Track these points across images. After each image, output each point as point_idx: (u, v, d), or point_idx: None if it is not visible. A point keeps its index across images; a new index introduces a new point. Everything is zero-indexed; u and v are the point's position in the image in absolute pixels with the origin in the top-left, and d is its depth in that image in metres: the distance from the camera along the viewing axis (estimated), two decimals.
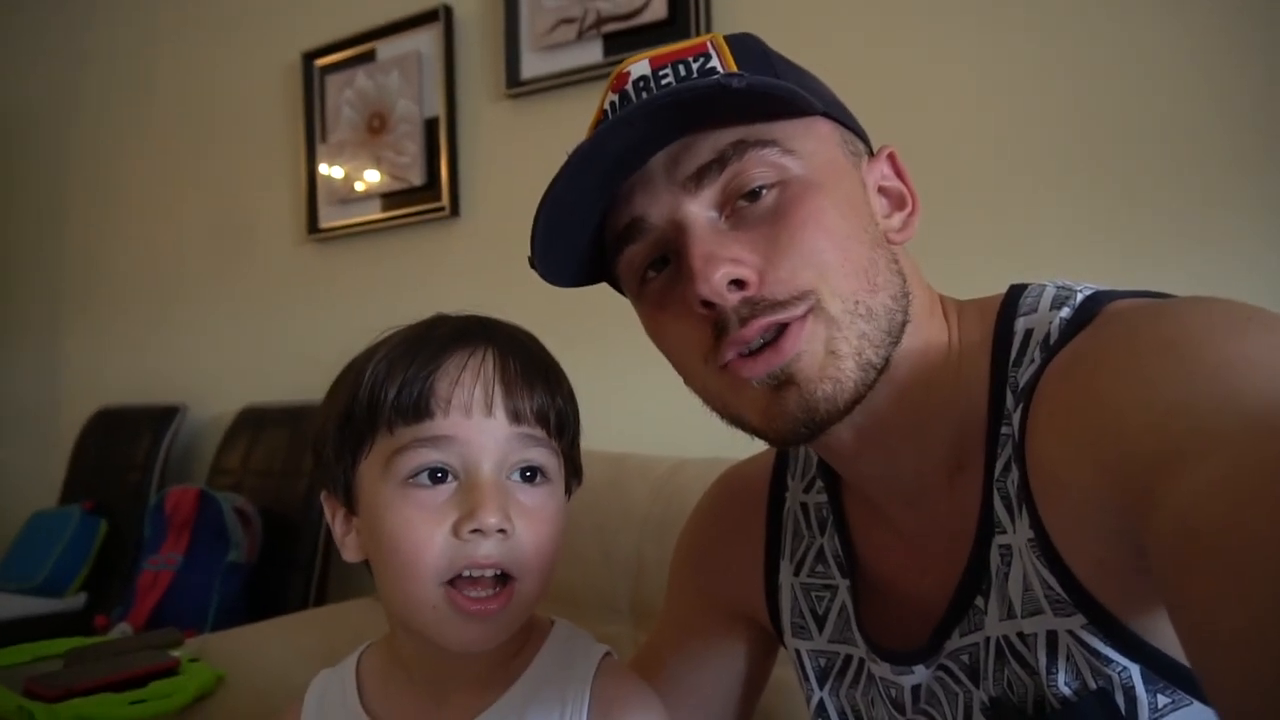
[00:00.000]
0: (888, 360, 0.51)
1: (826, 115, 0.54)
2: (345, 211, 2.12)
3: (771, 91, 0.48)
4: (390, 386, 0.52)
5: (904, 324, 0.52)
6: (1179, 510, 0.34)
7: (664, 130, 0.50)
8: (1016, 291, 0.54)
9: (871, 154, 0.57)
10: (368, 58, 2.09)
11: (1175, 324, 0.43)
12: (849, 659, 0.61)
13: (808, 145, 0.51)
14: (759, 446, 0.57)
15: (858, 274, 0.50)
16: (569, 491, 0.59)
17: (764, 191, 0.50)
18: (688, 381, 0.55)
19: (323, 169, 2.16)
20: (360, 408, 0.53)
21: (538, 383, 0.54)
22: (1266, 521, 0.30)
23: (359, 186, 2.10)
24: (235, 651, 1.31)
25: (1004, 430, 0.50)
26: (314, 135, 2.18)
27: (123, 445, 2.38)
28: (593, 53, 1.72)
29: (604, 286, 0.60)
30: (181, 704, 1.11)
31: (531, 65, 1.80)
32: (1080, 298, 0.50)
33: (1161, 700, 0.44)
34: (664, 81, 0.51)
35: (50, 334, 2.84)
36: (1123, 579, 0.43)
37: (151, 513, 2.02)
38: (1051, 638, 0.47)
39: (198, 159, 2.48)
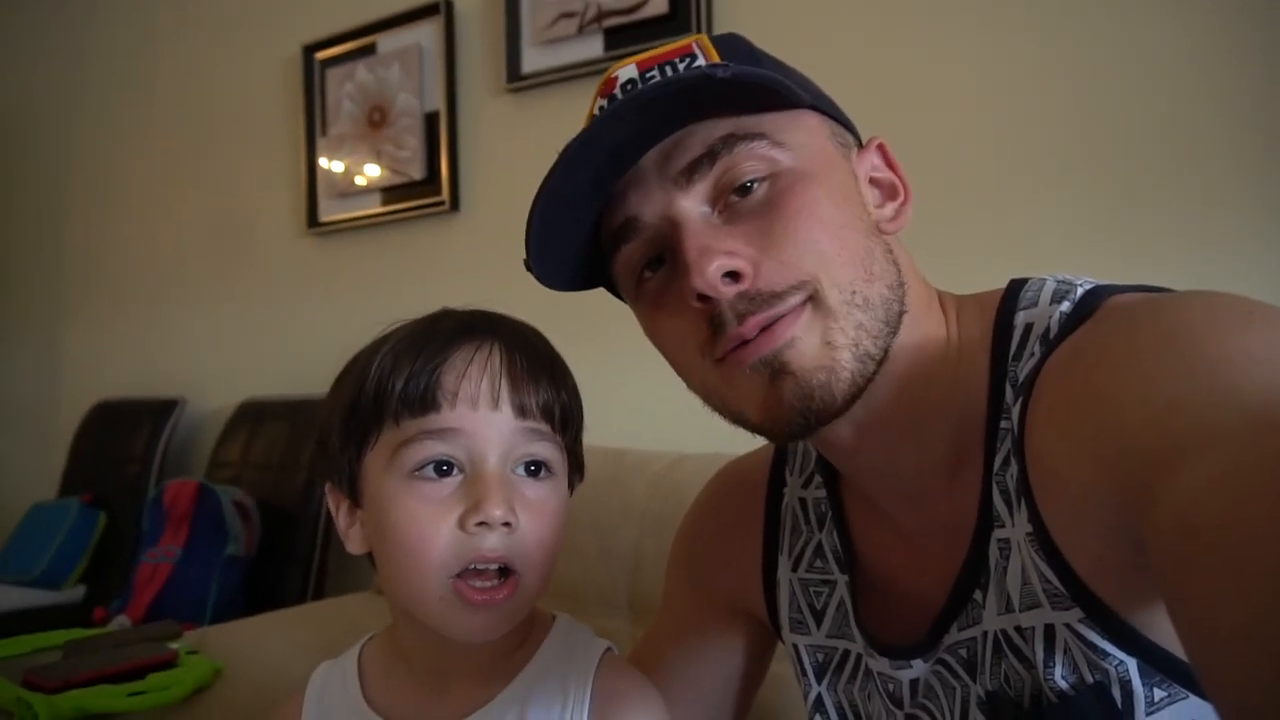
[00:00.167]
0: (886, 352, 0.51)
1: (814, 108, 0.54)
2: (345, 205, 2.12)
3: (758, 81, 0.48)
4: (397, 379, 0.52)
5: (901, 314, 0.52)
6: (1178, 506, 0.34)
7: (653, 125, 0.50)
8: (1016, 286, 0.54)
9: (861, 146, 0.57)
10: (368, 51, 2.09)
11: (1175, 318, 0.43)
12: (847, 654, 0.61)
13: (797, 137, 0.52)
14: (758, 442, 0.58)
15: (855, 263, 0.50)
16: (571, 487, 0.59)
17: (755, 185, 0.50)
18: (686, 380, 0.55)
19: (323, 163, 2.16)
20: (366, 400, 0.53)
21: (543, 377, 0.54)
22: (1267, 518, 0.30)
23: (359, 180, 2.09)
24: (233, 644, 1.31)
25: (1003, 424, 0.50)
26: (314, 129, 2.18)
27: (122, 438, 2.38)
28: (593, 47, 1.72)
29: None
30: (179, 696, 1.11)
31: (532, 59, 1.80)
32: (1080, 292, 0.50)
33: (1158, 694, 0.44)
34: (651, 84, 0.51)
35: (50, 327, 2.84)
36: (1121, 574, 0.43)
37: (150, 505, 2.02)
38: (1049, 631, 0.47)
39: (197, 153, 2.48)
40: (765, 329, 0.48)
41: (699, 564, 0.72)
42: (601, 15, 1.70)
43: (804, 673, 0.64)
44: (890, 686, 0.57)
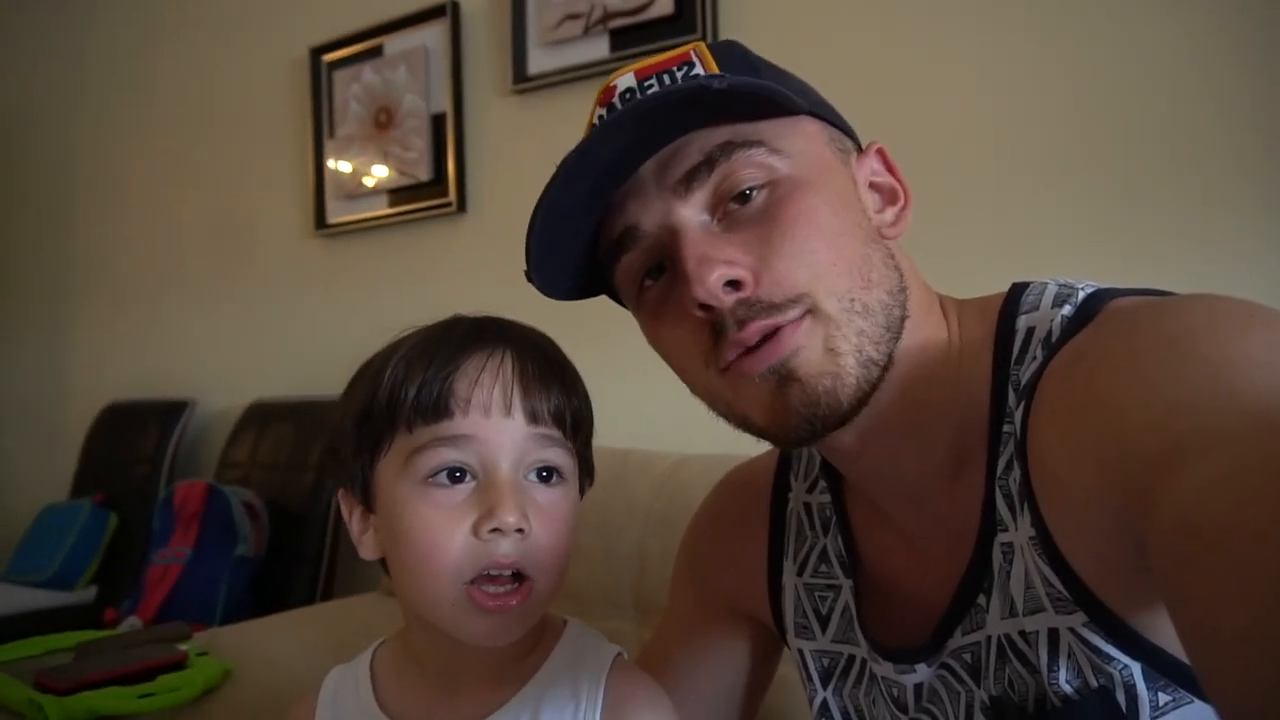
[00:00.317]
0: (890, 357, 0.51)
1: (812, 114, 0.54)
2: (352, 207, 2.13)
3: (754, 91, 0.48)
4: (410, 386, 0.52)
5: (903, 319, 0.52)
6: (1179, 507, 0.34)
7: (651, 135, 0.50)
8: (1018, 290, 0.54)
9: (860, 150, 0.57)
10: (375, 53, 2.10)
11: (1177, 322, 0.43)
12: (852, 659, 0.61)
13: (795, 144, 0.52)
14: (763, 443, 0.58)
15: (852, 271, 0.50)
16: (582, 491, 0.59)
17: (754, 192, 0.50)
18: (691, 387, 0.55)
19: (330, 164, 2.17)
20: (379, 407, 0.53)
21: (554, 384, 0.54)
22: (1268, 520, 0.30)
23: (367, 182, 2.10)
24: (243, 645, 1.32)
25: (1006, 428, 0.50)
26: (321, 131, 2.19)
27: (132, 439, 2.40)
28: (599, 48, 1.72)
29: None
30: (189, 697, 1.12)
31: (538, 61, 1.80)
32: (1082, 295, 0.50)
33: (1163, 698, 0.44)
34: (649, 91, 0.51)
35: (59, 330, 2.86)
36: (1123, 577, 0.43)
37: (160, 506, 2.03)
38: (1053, 635, 0.47)
39: (204, 155, 2.49)
40: (769, 337, 0.48)
41: (703, 569, 0.72)
42: (607, 16, 1.70)
43: (809, 678, 0.64)
44: (895, 691, 0.57)
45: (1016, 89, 1.32)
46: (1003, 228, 1.32)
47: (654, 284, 0.54)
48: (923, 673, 0.55)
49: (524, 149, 1.85)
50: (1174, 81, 1.21)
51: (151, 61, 2.63)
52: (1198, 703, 0.43)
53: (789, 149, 0.51)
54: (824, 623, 0.62)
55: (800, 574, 0.64)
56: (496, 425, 0.52)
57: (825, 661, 0.63)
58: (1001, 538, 0.50)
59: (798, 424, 0.49)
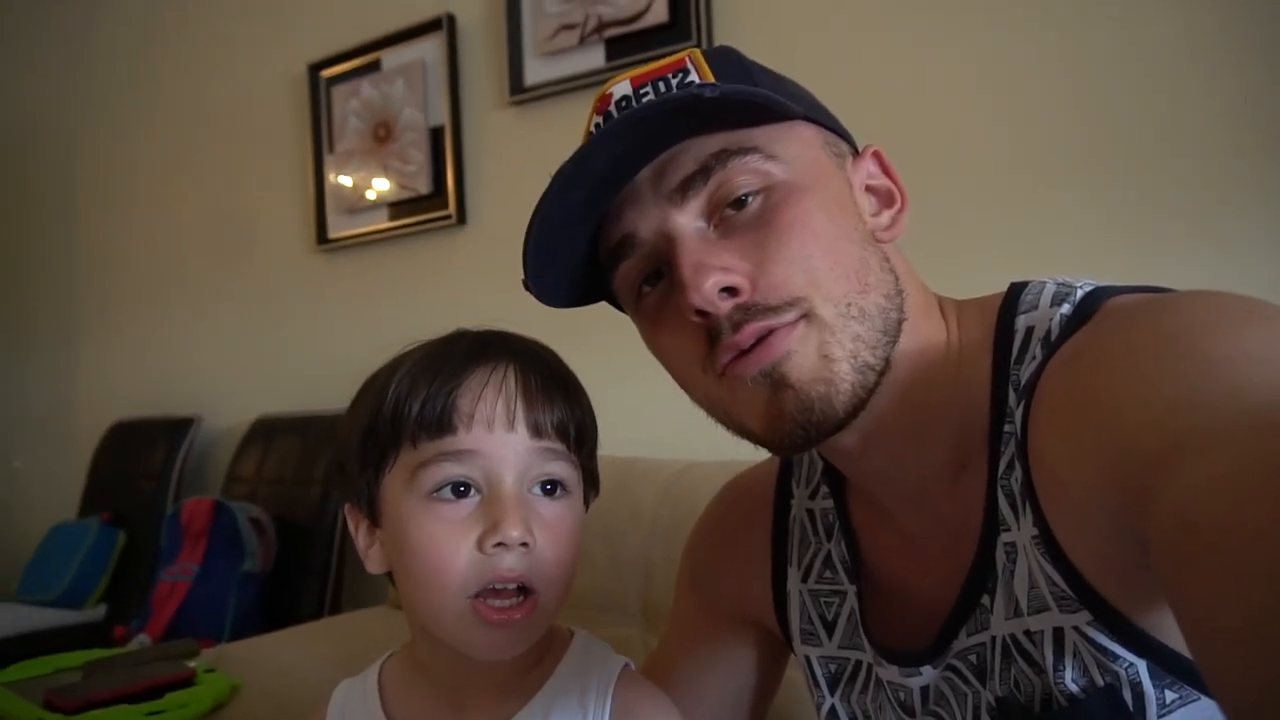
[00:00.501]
0: (888, 361, 0.51)
1: (807, 119, 0.54)
2: (353, 221, 2.14)
3: (747, 98, 0.48)
4: (414, 401, 0.52)
5: (900, 322, 0.52)
6: (1179, 505, 0.34)
7: (647, 143, 0.50)
8: (1017, 289, 0.54)
9: (856, 154, 0.57)
10: (373, 67, 2.11)
11: (1175, 319, 0.43)
12: (859, 664, 0.61)
13: (790, 150, 0.52)
14: (764, 450, 0.58)
15: (848, 275, 0.50)
16: (587, 503, 0.59)
17: (749, 198, 0.50)
18: (690, 394, 0.55)
19: (330, 179, 2.18)
20: (384, 422, 0.53)
21: (558, 397, 0.54)
22: (1268, 518, 0.30)
23: (367, 196, 2.11)
24: (251, 661, 1.32)
25: (1007, 428, 0.50)
26: (321, 146, 2.20)
27: (139, 457, 2.41)
28: (595, 58, 1.72)
29: None
30: (197, 714, 1.12)
31: (534, 72, 1.81)
32: (1080, 294, 0.50)
33: (1169, 696, 0.43)
34: (645, 99, 0.52)
35: (65, 349, 2.87)
36: (1125, 575, 0.43)
37: (167, 524, 2.04)
38: (1058, 635, 0.47)
39: (207, 172, 2.51)
40: (762, 340, 0.48)
41: (706, 578, 0.72)
42: (602, 26, 1.71)
43: (816, 684, 0.64)
44: (901, 695, 0.57)
45: (1018, 90, 1.32)
46: (1006, 227, 1.32)
47: (652, 291, 0.54)
48: (928, 675, 0.55)
49: (522, 160, 1.85)
50: (1177, 79, 1.21)
51: (153, 82, 2.65)
52: (1204, 700, 0.43)
53: (784, 154, 0.51)
54: (830, 628, 0.62)
55: (805, 580, 0.64)
56: (500, 440, 0.52)
57: (832, 667, 0.63)
58: (1004, 538, 0.50)
59: (792, 430, 0.49)
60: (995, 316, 0.53)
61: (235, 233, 2.42)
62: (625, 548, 1.23)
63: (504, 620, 0.51)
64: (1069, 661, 0.46)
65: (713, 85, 0.48)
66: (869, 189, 0.56)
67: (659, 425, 1.28)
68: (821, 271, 0.49)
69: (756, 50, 0.58)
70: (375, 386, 0.55)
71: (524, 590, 0.52)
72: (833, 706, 0.63)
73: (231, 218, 2.44)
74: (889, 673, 0.57)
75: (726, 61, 0.54)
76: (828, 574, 0.63)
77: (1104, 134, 1.26)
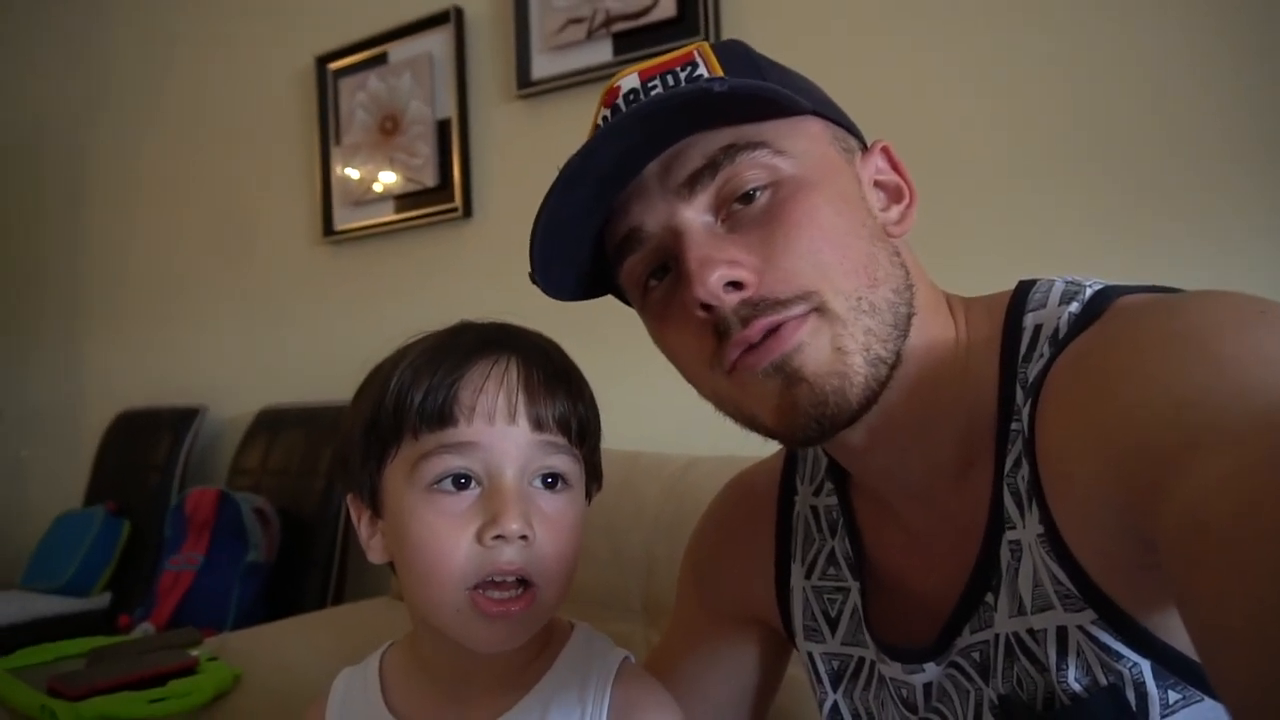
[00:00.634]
0: (898, 355, 0.51)
1: (816, 114, 0.53)
2: (359, 214, 2.14)
3: (756, 93, 0.48)
4: (415, 393, 0.52)
5: (909, 317, 0.52)
6: (1189, 504, 0.34)
7: (654, 137, 0.50)
8: (1025, 287, 0.54)
9: (865, 149, 0.57)
10: (380, 60, 2.11)
11: (1184, 318, 0.43)
12: (861, 661, 0.61)
13: (799, 145, 0.51)
14: (773, 445, 0.57)
15: (858, 270, 0.50)
16: (589, 496, 0.59)
17: (757, 193, 0.50)
18: (698, 389, 0.55)
19: (337, 171, 2.18)
20: (386, 413, 0.53)
21: (560, 390, 0.54)
22: (1277, 518, 0.30)
23: (375, 188, 2.11)
24: (253, 650, 1.32)
25: (1014, 426, 0.50)
26: (328, 138, 2.20)
27: (144, 447, 2.41)
28: (602, 52, 1.72)
29: None
30: (199, 702, 1.12)
31: (542, 65, 1.81)
32: (1089, 292, 0.50)
33: (1173, 696, 0.43)
34: (653, 92, 0.52)
35: (72, 340, 2.88)
36: (1128, 575, 0.43)
37: (172, 514, 2.04)
38: (1061, 633, 0.46)
39: (214, 164, 2.51)
40: (772, 332, 0.48)
41: (709, 575, 0.72)
42: (610, 20, 1.70)
43: (819, 680, 0.64)
44: (904, 692, 0.57)
45: (1019, 91, 1.32)
46: (1005, 229, 1.32)
47: (658, 285, 0.54)
48: (931, 672, 0.55)
49: (529, 153, 1.85)
50: (1176, 80, 1.21)
51: (160, 75, 2.65)
52: (1208, 700, 0.43)
53: (792, 149, 0.51)
54: (833, 625, 0.62)
55: (808, 577, 0.64)
56: (501, 432, 0.52)
57: (835, 664, 0.63)
58: (1009, 535, 0.49)
59: (806, 424, 0.49)
60: (1003, 314, 0.53)
61: (241, 225, 2.43)
62: (628, 543, 1.23)
63: (502, 612, 0.51)
64: (1072, 660, 0.46)
65: (721, 80, 0.48)
66: (878, 184, 0.56)
67: (663, 420, 1.28)
68: (831, 265, 0.49)
69: (763, 45, 0.58)
70: (378, 378, 0.56)
71: (523, 583, 0.52)
72: (835, 703, 0.63)
73: (238, 210, 2.44)
74: (892, 670, 0.57)
75: (735, 55, 0.54)
76: (831, 570, 0.62)
77: (1103, 135, 1.26)
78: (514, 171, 1.89)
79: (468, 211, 1.95)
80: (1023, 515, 0.48)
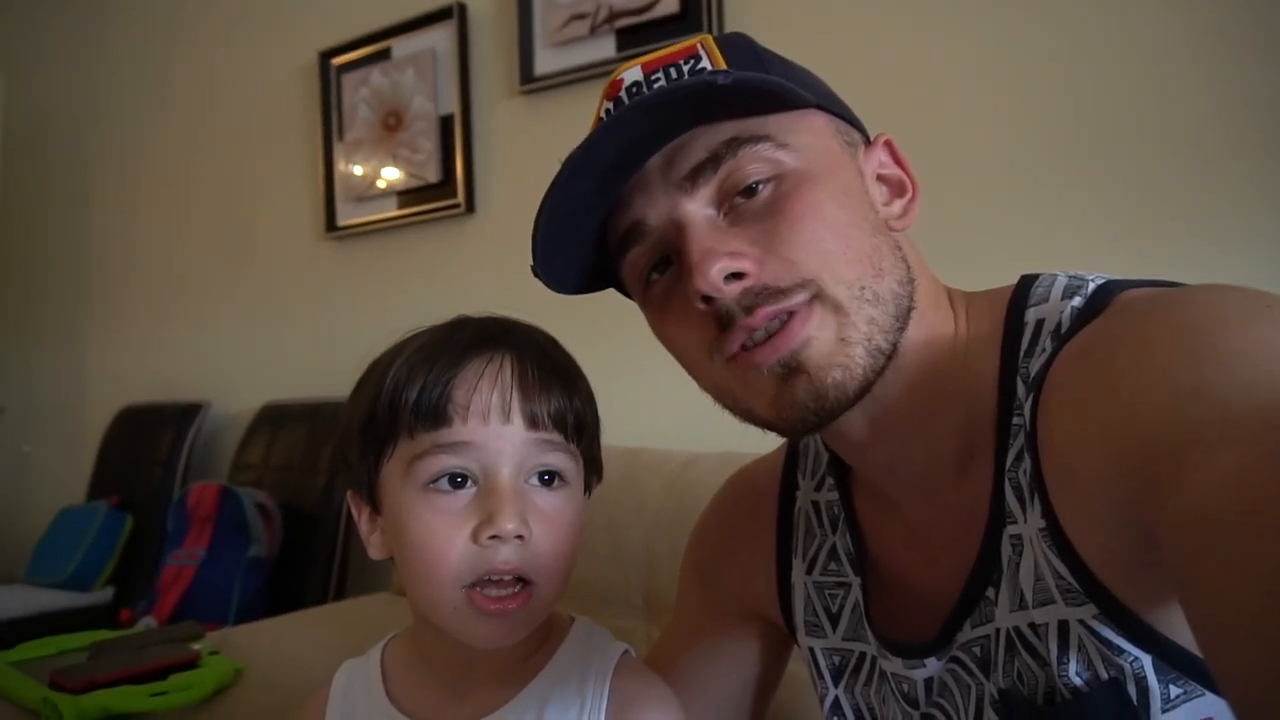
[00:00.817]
0: (896, 346, 0.50)
1: (819, 107, 0.53)
2: (362, 209, 2.14)
3: (760, 86, 0.48)
4: (410, 392, 0.52)
5: (910, 310, 0.51)
6: (1193, 499, 0.33)
7: (657, 130, 0.50)
8: (1027, 282, 0.54)
9: (868, 142, 0.57)
10: (383, 56, 2.11)
11: (1189, 312, 0.42)
12: (863, 656, 0.61)
13: (801, 138, 0.51)
14: (773, 441, 0.57)
15: (861, 260, 0.49)
16: (589, 489, 0.59)
17: (760, 187, 0.50)
18: (698, 380, 0.55)
19: (340, 167, 2.18)
20: (382, 412, 0.53)
21: (555, 386, 0.54)
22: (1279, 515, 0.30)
23: (378, 184, 2.11)
24: (255, 645, 1.33)
25: (1015, 420, 0.50)
26: (331, 134, 2.20)
27: (147, 442, 2.42)
28: (605, 48, 1.72)
29: None
30: (200, 696, 1.12)
31: (545, 61, 1.81)
32: (1092, 287, 0.50)
33: (1174, 691, 0.43)
34: (656, 85, 0.51)
35: (75, 335, 2.88)
36: (1131, 570, 0.43)
37: (175, 508, 2.05)
38: (1063, 628, 0.46)
39: (217, 160, 2.51)
40: (783, 327, 0.48)
41: (710, 570, 0.72)
42: (613, 16, 1.70)
43: (820, 676, 0.64)
44: (905, 687, 0.57)
45: (1025, 84, 1.32)
46: (1005, 226, 1.32)
47: (660, 279, 0.53)
48: (932, 667, 0.55)
49: (531, 149, 1.85)
50: (1178, 79, 1.20)
51: (164, 71, 2.65)
52: (1209, 695, 0.43)
53: (795, 143, 0.51)
54: (834, 620, 0.62)
55: (810, 572, 0.64)
56: (495, 431, 0.52)
57: (836, 659, 0.63)
58: (1010, 530, 0.49)
59: (803, 415, 0.49)
60: (1005, 309, 0.53)
61: (244, 221, 2.43)
62: (629, 539, 1.23)
63: (500, 610, 0.51)
64: (1073, 655, 0.46)
65: (725, 73, 0.48)
66: (880, 178, 0.56)
67: (665, 416, 1.28)
68: (833, 255, 0.49)
69: (766, 40, 0.57)
70: (375, 375, 0.56)
71: (521, 580, 0.52)
72: (836, 699, 0.63)
73: (241, 206, 2.45)
74: (893, 665, 0.57)
75: (738, 48, 0.54)
76: (832, 566, 0.62)
77: (1105, 133, 1.25)
78: (517, 167, 1.89)
79: (470, 207, 1.95)
80: (1024, 510, 0.48)
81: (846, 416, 0.50)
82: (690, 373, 0.55)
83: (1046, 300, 0.51)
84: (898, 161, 0.57)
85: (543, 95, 1.83)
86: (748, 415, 0.53)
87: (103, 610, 2.22)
